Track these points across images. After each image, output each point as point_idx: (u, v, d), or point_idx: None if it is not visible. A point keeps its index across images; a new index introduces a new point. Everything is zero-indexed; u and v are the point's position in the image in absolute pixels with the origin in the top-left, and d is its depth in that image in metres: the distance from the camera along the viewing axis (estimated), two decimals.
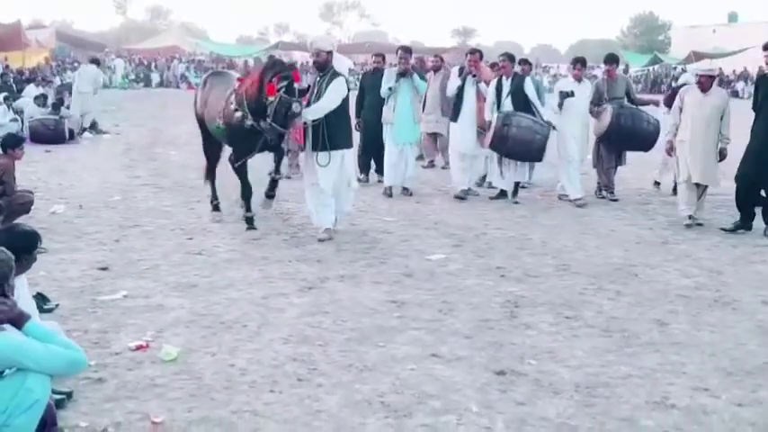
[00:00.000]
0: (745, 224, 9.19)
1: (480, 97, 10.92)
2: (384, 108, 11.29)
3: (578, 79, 10.93)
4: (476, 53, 11.47)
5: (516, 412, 4.43)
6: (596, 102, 11.10)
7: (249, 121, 8.02)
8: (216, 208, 9.46)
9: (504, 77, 10.72)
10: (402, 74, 11.05)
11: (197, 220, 9.28)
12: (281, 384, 4.74)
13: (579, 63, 11.10)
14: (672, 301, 6.55)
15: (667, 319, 6.05)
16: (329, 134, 8.10)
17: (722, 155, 9.25)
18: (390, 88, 11.04)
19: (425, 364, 5.08)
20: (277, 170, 8.70)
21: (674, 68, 46.97)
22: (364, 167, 12.18)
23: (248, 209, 8.79)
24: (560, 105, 10.64)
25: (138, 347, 5.24)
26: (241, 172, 8.68)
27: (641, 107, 11.47)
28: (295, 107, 7.68)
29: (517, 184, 10.91)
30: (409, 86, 11.11)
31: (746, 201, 9.21)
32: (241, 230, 8.58)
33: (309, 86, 8.31)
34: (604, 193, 11.35)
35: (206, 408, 4.40)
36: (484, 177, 11.98)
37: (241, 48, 59.33)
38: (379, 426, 4.24)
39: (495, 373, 4.94)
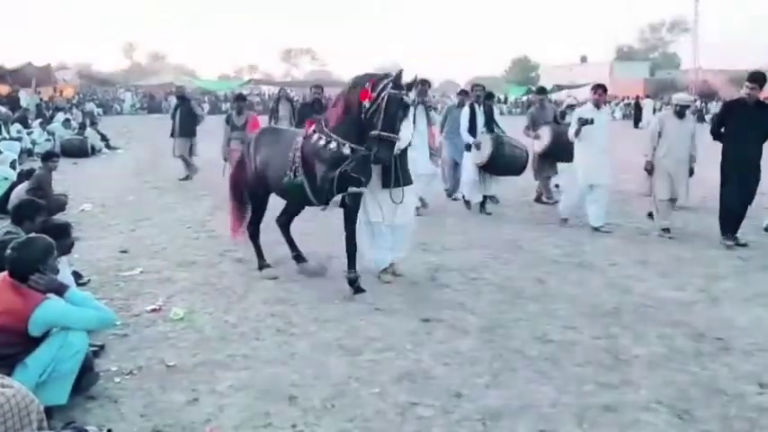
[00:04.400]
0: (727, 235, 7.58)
1: (430, 122, 9.03)
2: None
3: (598, 105, 8.40)
4: (425, 83, 9.20)
5: (438, 348, 4.48)
6: (531, 126, 10.02)
7: (347, 150, 5.26)
8: (263, 266, 6.26)
9: (476, 105, 9.36)
10: None
11: (193, 214, 9.12)
12: (264, 334, 4.71)
13: (600, 89, 8.45)
14: (547, 264, 6.69)
15: (544, 278, 6.17)
16: (402, 169, 5.78)
17: (692, 172, 7.99)
18: None
19: (371, 316, 5.09)
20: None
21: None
22: None
23: (353, 269, 5.65)
24: (577, 132, 8.22)
25: (153, 310, 5.15)
26: (352, 220, 5.66)
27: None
28: (406, 98, 5.13)
29: (485, 197, 9.51)
30: None
31: (732, 218, 7.57)
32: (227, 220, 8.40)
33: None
34: (543, 198, 10.22)
35: (207, 353, 4.36)
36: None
37: (221, 83, 58.10)
38: (338, 362, 4.25)
39: (421, 321, 4.98)
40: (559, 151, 9.48)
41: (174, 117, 13.10)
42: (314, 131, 5.54)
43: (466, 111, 9.43)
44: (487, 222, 8.82)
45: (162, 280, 5.97)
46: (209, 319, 4.98)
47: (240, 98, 11.10)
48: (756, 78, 7.48)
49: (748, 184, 7.47)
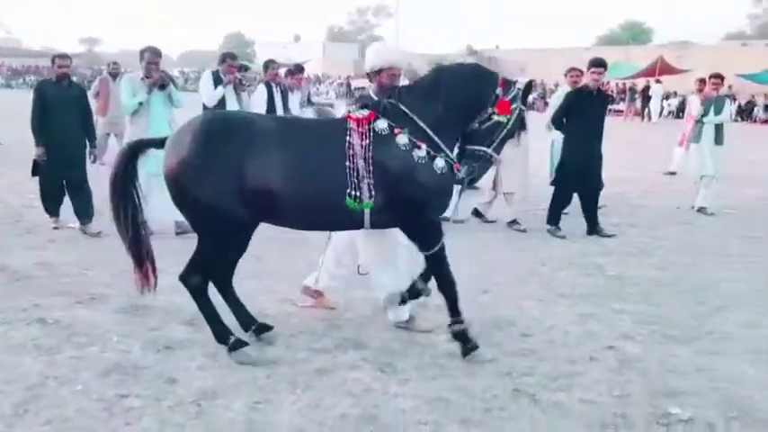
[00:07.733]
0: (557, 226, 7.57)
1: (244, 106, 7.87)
2: (130, 127, 7.03)
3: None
4: (236, 59, 8.27)
5: (150, 336, 4.36)
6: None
7: (453, 171, 4.01)
8: (237, 343, 4.07)
9: (272, 84, 8.78)
10: (163, 86, 6.91)
11: None
12: None
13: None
14: (265, 242, 6.58)
15: (263, 255, 6.11)
16: None
17: None
18: (141, 102, 6.83)
19: (70, 310, 4.73)
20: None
21: (260, 75, 48.83)
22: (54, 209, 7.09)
23: (458, 318, 4.18)
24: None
25: None
26: (442, 258, 4.21)
27: None
28: (526, 119, 4.24)
29: None
30: (163, 100, 6.98)
31: (563, 205, 7.66)
32: None
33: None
34: None
35: None
36: None
37: None
38: (33, 362, 3.90)
39: (132, 310, 4.76)
40: None
41: None
42: (391, 127, 3.85)
43: (262, 90, 8.57)
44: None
45: None
46: None
47: None
48: (601, 63, 7.36)
49: (592, 173, 7.42)
